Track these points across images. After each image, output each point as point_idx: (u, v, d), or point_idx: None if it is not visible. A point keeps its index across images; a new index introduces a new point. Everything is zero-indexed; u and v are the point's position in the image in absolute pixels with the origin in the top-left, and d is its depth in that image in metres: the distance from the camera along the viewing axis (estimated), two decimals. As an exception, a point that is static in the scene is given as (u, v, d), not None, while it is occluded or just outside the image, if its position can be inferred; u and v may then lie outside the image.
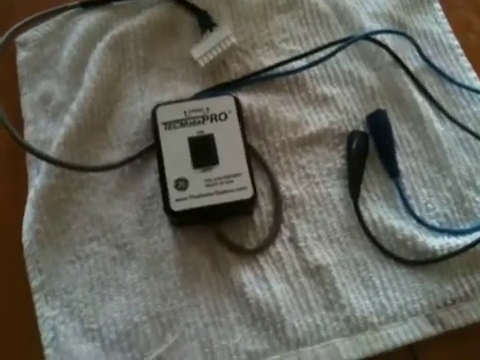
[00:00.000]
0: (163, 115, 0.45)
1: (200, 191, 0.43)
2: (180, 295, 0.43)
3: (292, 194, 0.46)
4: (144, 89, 0.50)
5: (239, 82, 0.50)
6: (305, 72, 0.51)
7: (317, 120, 0.49)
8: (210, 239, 0.44)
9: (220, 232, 0.44)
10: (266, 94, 0.50)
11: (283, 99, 0.50)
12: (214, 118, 0.45)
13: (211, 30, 0.51)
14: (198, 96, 0.48)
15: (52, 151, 0.46)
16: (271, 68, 0.50)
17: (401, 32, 0.52)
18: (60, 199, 0.46)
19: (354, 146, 0.47)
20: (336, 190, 0.47)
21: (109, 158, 0.47)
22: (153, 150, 0.45)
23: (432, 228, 0.45)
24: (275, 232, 0.45)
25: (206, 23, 0.52)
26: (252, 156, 0.46)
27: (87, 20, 0.52)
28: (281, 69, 0.50)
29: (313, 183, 0.47)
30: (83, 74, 0.49)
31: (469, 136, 0.49)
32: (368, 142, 0.48)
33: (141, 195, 0.46)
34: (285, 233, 0.45)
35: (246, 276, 0.43)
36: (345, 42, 0.51)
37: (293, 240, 0.45)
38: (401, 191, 0.46)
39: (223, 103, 0.46)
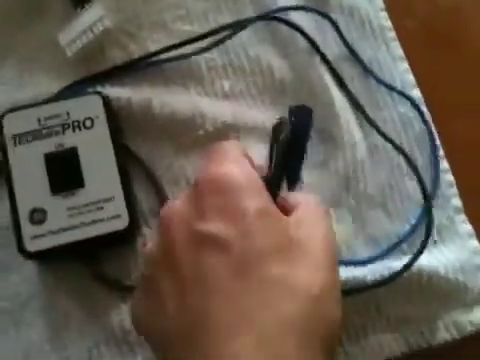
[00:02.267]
0: (12, 125, 0.36)
1: (62, 224, 0.34)
2: (46, 349, 0.35)
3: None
4: (-3, 84, 0.40)
5: (115, 72, 0.40)
6: (202, 61, 0.41)
7: (216, 116, 0.40)
8: (84, 275, 0.36)
9: (94, 267, 0.36)
10: (152, 86, 0.40)
11: (173, 92, 0.41)
12: (77, 126, 0.36)
13: (82, 8, 0.41)
14: (58, 95, 0.38)
15: None
16: (157, 53, 0.41)
17: (320, 12, 0.42)
18: None
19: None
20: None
21: None
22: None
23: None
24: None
25: (78, -2, 0.42)
26: (136, 166, 0.38)
27: None
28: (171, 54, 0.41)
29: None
30: None
31: (387, 145, 0.40)
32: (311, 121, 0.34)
33: None
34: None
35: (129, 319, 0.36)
36: (250, 21, 0.42)
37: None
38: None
39: (88, 105, 0.36)
